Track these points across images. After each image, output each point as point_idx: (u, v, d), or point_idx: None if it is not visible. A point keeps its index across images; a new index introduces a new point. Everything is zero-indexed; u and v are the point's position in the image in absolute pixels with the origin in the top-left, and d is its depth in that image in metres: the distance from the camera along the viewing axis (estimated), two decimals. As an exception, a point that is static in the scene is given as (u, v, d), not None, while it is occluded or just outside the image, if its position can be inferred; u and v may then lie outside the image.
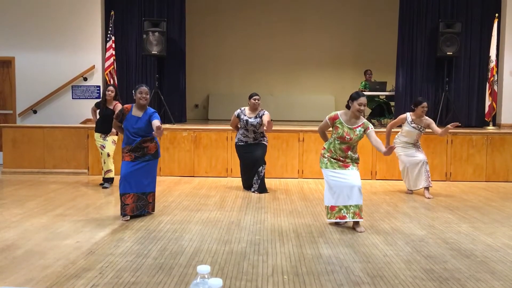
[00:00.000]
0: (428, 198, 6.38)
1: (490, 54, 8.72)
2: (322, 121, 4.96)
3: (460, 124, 6.21)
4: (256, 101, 6.52)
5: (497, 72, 8.80)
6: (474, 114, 9.31)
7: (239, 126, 6.70)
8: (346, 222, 4.88)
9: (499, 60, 9.02)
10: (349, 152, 4.73)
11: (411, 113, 6.46)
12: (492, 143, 7.87)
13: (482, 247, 4.25)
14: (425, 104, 6.33)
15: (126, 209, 5.01)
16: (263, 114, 6.48)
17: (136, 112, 5.06)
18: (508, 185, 7.62)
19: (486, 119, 8.87)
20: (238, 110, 6.65)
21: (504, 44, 9.04)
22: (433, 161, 7.73)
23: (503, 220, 5.26)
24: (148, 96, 5.09)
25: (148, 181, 5.14)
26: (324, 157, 4.82)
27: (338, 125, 4.71)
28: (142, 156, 5.04)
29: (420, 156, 6.42)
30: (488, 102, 8.76)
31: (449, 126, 6.07)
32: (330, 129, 4.87)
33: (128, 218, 5.01)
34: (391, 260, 3.87)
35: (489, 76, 8.72)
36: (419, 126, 6.38)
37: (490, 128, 8.64)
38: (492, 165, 7.87)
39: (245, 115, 6.55)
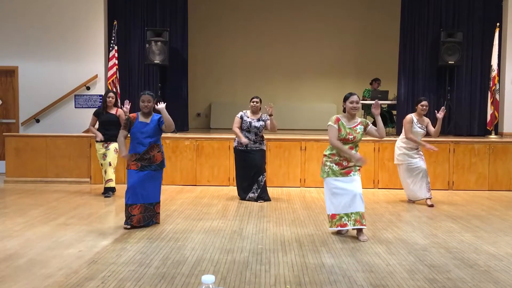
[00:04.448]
0: (431, 206, 6.37)
1: (492, 63, 8.75)
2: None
3: (445, 109, 6.31)
4: (254, 103, 6.68)
5: (498, 81, 8.82)
6: (476, 123, 9.31)
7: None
8: (347, 230, 4.89)
9: (501, 69, 9.04)
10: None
11: (413, 114, 6.50)
12: (495, 152, 7.86)
13: (485, 256, 4.24)
14: (425, 103, 6.40)
15: (132, 219, 4.99)
16: (267, 119, 6.61)
17: (142, 119, 5.13)
18: (511, 194, 7.61)
19: (488, 128, 8.87)
20: (241, 112, 6.77)
21: (505, 53, 9.07)
22: (436, 170, 7.72)
23: (506, 229, 5.24)
24: (151, 103, 5.13)
25: (155, 191, 5.15)
26: (325, 165, 4.83)
27: (340, 126, 4.77)
28: (148, 165, 5.05)
29: (422, 166, 6.42)
30: (490, 111, 8.77)
31: (438, 116, 6.15)
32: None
33: (129, 226, 5.00)
34: (394, 269, 3.86)
35: (491, 85, 8.74)
36: (423, 126, 6.43)
37: (492, 137, 8.64)
38: (494, 174, 7.86)
39: (248, 117, 6.66)
